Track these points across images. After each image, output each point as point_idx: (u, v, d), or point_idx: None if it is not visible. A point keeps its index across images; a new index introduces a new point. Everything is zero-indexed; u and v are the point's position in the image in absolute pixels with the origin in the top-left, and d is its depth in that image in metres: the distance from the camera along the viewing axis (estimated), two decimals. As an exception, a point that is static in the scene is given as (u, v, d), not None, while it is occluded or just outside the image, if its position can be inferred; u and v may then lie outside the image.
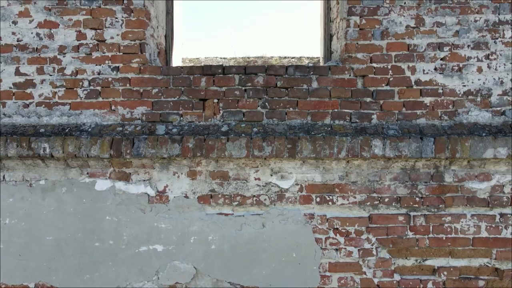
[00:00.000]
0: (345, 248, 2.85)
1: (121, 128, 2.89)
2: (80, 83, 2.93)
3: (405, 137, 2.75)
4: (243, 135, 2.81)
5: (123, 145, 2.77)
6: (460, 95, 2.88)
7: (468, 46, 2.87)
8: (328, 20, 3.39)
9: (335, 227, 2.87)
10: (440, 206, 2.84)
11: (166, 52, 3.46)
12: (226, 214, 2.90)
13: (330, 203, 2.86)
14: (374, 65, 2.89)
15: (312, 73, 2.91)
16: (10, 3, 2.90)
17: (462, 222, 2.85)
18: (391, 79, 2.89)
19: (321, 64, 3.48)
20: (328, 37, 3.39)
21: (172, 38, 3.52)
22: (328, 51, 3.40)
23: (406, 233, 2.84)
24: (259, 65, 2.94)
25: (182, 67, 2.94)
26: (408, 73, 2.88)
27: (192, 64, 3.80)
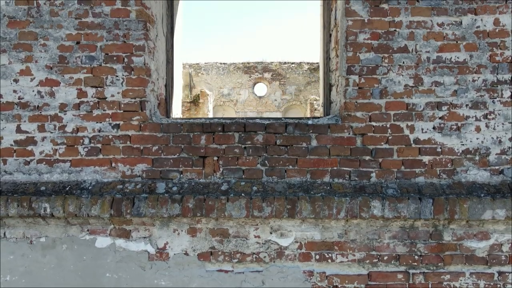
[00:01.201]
0: (344, 307, 2.86)
1: (121, 186, 2.90)
2: (81, 141, 2.95)
3: (404, 197, 2.77)
4: (242, 194, 2.82)
5: (124, 205, 2.78)
6: (458, 154, 2.89)
7: (467, 105, 2.89)
8: (327, 70, 3.42)
9: (335, 284, 2.88)
10: (439, 264, 2.85)
11: (167, 101, 3.48)
12: (226, 271, 2.91)
13: (329, 260, 2.87)
14: (373, 123, 2.91)
15: (311, 131, 2.93)
16: (11, 61, 2.92)
17: (461, 280, 2.86)
18: (390, 137, 2.90)
19: (321, 115, 3.50)
20: (327, 86, 3.42)
21: (172, 87, 3.55)
22: (327, 100, 3.43)
23: (405, 291, 2.86)
24: (259, 123, 2.95)
25: (182, 125, 2.96)
26: (407, 132, 2.90)
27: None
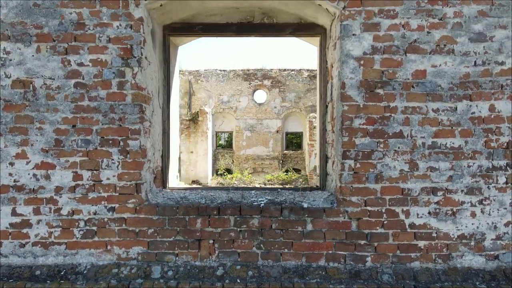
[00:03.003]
0: None
1: (116, 270, 2.90)
2: (76, 223, 2.95)
3: (399, 285, 2.76)
4: (238, 280, 2.82)
5: (119, 292, 2.78)
6: (454, 239, 2.89)
7: (462, 191, 2.89)
8: (324, 141, 3.42)
9: None
10: None
11: (163, 171, 3.48)
12: None
13: None
14: (369, 208, 2.91)
15: (306, 215, 2.93)
16: (7, 144, 2.92)
17: None
18: (385, 222, 2.90)
19: (318, 183, 3.50)
20: (324, 157, 3.42)
21: (168, 157, 3.55)
22: (323, 171, 3.42)
23: None
24: (255, 206, 2.95)
25: (177, 208, 2.96)
26: (402, 217, 2.90)
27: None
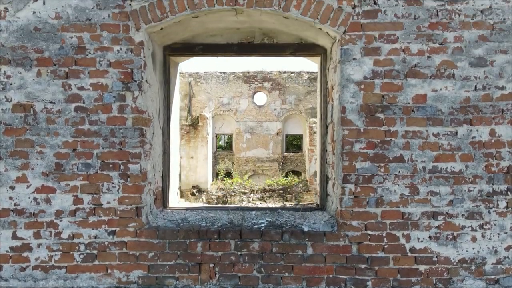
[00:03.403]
0: None
1: (117, 294, 2.90)
2: (77, 247, 2.95)
3: (400, 311, 2.77)
4: (238, 305, 2.82)
5: (119, 317, 2.78)
6: (454, 263, 2.89)
7: (463, 215, 2.89)
8: (324, 162, 3.42)
9: None
10: None
11: (163, 191, 3.48)
12: None
13: None
14: (369, 232, 2.91)
15: (307, 239, 2.93)
16: (7, 168, 2.92)
17: None
18: (386, 246, 2.90)
19: (318, 201, 3.50)
20: (324, 178, 3.42)
21: (169, 176, 3.55)
22: (324, 192, 3.42)
23: None
24: (255, 229, 2.96)
25: (178, 231, 2.96)
26: (402, 241, 2.90)
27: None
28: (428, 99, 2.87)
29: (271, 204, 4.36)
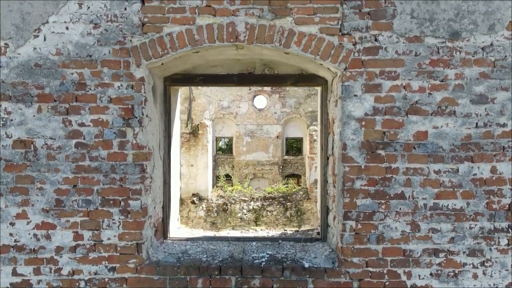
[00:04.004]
0: None
1: (117, 331, 2.89)
2: (77, 284, 2.94)
3: None
4: None
5: None
6: (455, 301, 2.89)
7: (464, 252, 2.88)
8: (325, 193, 3.41)
9: None
10: None
11: (164, 221, 3.48)
12: None
13: None
14: (370, 269, 2.90)
15: (308, 276, 2.92)
16: (7, 204, 2.91)
17: None
18: (387, 283, 2.90)
19: (318, 229, 3.50)
20: (325, 209, 3.41)
21: (169, 207, 3.54)
22: (325, 222, 3.42)
23: None
24: (256, 265, 2.95)
25: (178, 267, 2.95)
26: (404, 278, 2.90)
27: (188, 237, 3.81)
28: (429, 136, 2.86)
29: (271, 231, 4.35)
